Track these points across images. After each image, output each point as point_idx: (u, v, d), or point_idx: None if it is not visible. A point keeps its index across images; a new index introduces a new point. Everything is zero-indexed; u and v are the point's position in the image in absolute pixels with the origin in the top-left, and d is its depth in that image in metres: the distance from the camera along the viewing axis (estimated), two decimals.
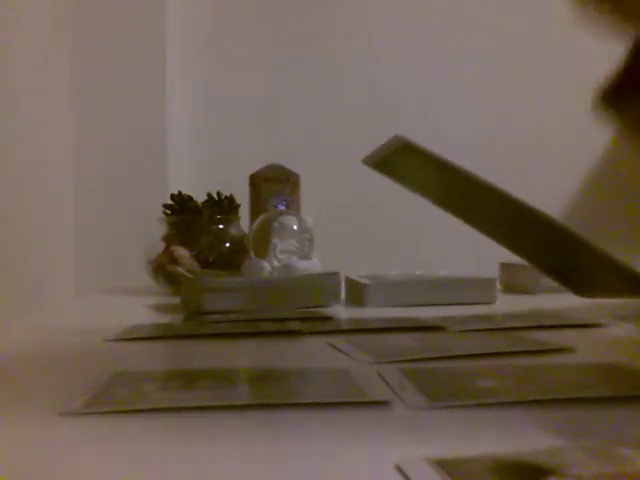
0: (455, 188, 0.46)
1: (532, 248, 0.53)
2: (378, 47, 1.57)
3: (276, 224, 0.85)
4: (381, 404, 0.36)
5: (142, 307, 0.84)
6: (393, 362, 0.46)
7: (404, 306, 0.80)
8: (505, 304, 0.84)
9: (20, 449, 0.30)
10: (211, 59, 1.56)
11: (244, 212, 1.03)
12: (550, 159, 1.59)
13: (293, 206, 1.00)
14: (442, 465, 0.25)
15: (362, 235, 1.55)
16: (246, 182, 1.03)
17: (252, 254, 0.88)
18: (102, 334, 0.59)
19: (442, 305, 0.80)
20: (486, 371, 0.43)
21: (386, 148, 0.42)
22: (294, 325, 0.64)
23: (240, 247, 0.98)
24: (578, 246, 0.43)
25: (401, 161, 0.43)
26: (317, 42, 1.57)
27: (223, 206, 1.02)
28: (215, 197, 1.03)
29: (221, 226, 1.01)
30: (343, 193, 1.55)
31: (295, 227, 0.85)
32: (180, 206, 1.02)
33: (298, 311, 0.75)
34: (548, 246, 0.50)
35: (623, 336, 0.62)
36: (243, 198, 1.03)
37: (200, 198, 1.04)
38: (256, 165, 1.04)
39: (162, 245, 0.99)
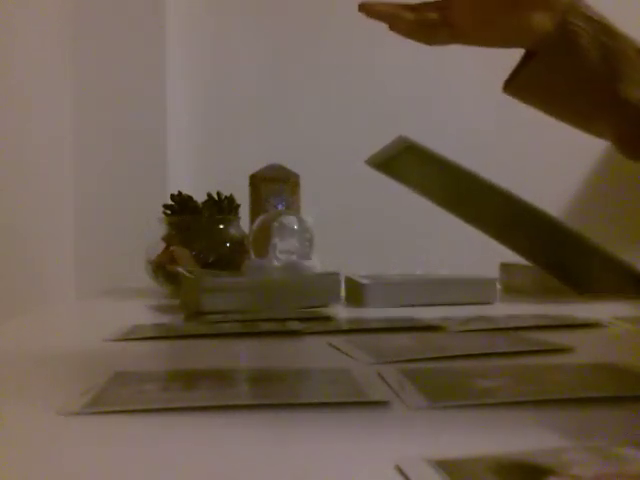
0: (458, 188, 0.46)
1: (534, 247, 0.53)
2: (379, 47, 1.56)
3: (276, 224, 0.85)
4: (381, 404, 0.36)
5: (142, 307, 0.84)
6: (393, 362, 0.46)
7: (404, 306, 0.80)
8: (505, 304, 0.84)
9: (20, 449, 0.30)
10: (211, 59, 1.56)
11: (244, 212, 1.03)
12: (550, 159, 1.59)
13: (293, 206, 1.00)
14: (442, 465, 0.25)
15: (362, 235, 1.55)
16: (246, 182, 1.03)
17: (252, 254, 0.88)
18: (102, 334, 0.59)
19: (442, 305, 0.80)
20: (486, 371, 0.43)
21: (390, 149, 0.42)
22: (294, 325, 0.64)
23: (240, 247, 0.98)
24: (579, 244, 0.44)
25: (405, 162, 0.43)
26: (317, 42, 1.57)
27: (223, 206, 1.02)
28: (215, 197, 1.03)
29: (221, 226, 1.01)
30: (343, 193, 1.55)
31: (295, 227, 0.85)
32: (180, 206, 1.02)
33: (298, 311, 0.75)
34: (550, 245, 0.50)
35: (623, 336, 0.62)
36: (243, 198, 1.03)
37: (200, 198, 1.03)
38: (256, 165, 1.04)
39: (162, 245, 0.99)
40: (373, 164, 0.44)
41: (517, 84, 0.61)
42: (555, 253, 0.50)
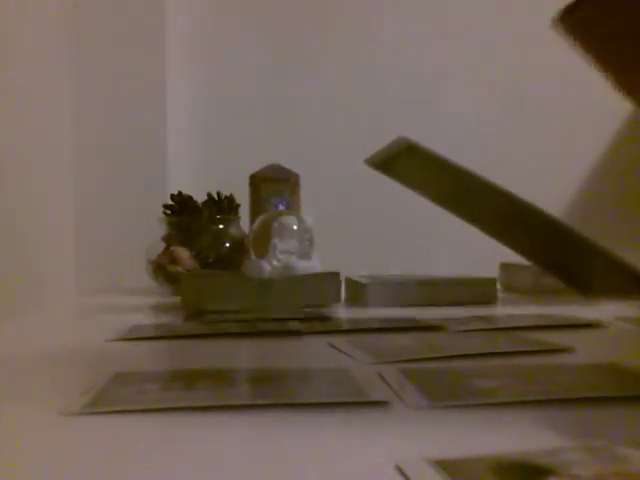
0: (458, 189, 0.46)
1: (536, 248, 0.53)
2: (379, 47, 1.56)
3: (276, 224, 0.85)
4: (381, 404, 0.36)
5: (142, 307, 0.84)
6: (393, 362, 0.46)
7: (404, 306, 0.80)
8: (505, 304, 0.84)
9: (20, 449, 0.30)
10: (211, 59, 1.56)
11: (244, 212, 1.03)
12: (550, 159, 1.59)
13: (293, 206, 1.00)
14: (442, 465, 0.25)
15: (362, 235, 1.55)
16: (246, 182, 1.03)
17: (252, 254, 0.88)
18: (102, 334, 0.59)
19: (442, 305, 0.80)
20: (486, 371, 0.43)
21: (389, 149, 0.42)
22: (294, 325, 0.64)
23: (240, 247, 0.98)
24: (581, 245, 0.43)
25: (405, 162, 0.43)
26: (317, 42, 1.57)
27: (223, 206, 1.02)
28: (215, 197, 1.03)
29: (221, 226, 1.01)
30: (343, 193, 1.55)
31: (295, 227, 0.85)
32: (180, 206, 1.02)
33: (298, 311, 0.75)
34: (552, 246, 0.50)
35: (624, 336, 0.62)
36: (243, 198, 1.03)
37: (200, 198, 1.03)
38: (256, 165, 1.04)
39: (162, 245, 0.99)
40: (372, 164, 0.44)
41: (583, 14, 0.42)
42: (557, 254, 0.50)
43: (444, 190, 0.48)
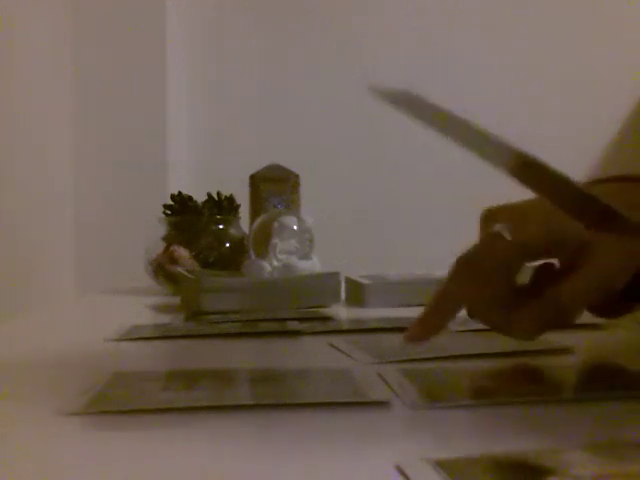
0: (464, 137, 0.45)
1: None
2: (378, 47, 1.56)
3: (276, 224, 0.85)
4: (381, 404, 0.36)
5: (142, 307, 0.84)
6: (393, 362, 0.46)
7: (404, 306, 0.80)
8: None
9: (20, 449, 0.30)
10: (211, 59, 1.56)
11: (244, 212, 1.03)
12: (552, 157, 1.59)
13: (293, 206, 1.00)
14: (442, 465, 0.25)
15: (362, 235, 1.55)
16: (246, 182, 1.03)
17: (252, 254, 0.88)
18: (102, 334, 0.59)
19: None
20: (486, 371, 0.43)
21: (393, 96, 0.41)
22: (294, 325, 0.64)
23: (240, 247, 0.98)
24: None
25: (408, 110, 0.42)
26: (317, 42, 1.57)
27: (223, 206, 1.02)
28: (215, 197, 1.03)
29: (221, 226, 1.01)
30: (343, 193, 1.55)
31: (295, 227, 0.85)
32: (180, 206, 1.02)
33: (298, 311, 0.75)
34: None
35: (623, 336, 0.62)
36: (243, 198, 1.03)
37: (200, 198, 1.03)
38: (256, 165, 1.04)
39: (162, 245, 0.99)
40: (376, 96, 0.42)
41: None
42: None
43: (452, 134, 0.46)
